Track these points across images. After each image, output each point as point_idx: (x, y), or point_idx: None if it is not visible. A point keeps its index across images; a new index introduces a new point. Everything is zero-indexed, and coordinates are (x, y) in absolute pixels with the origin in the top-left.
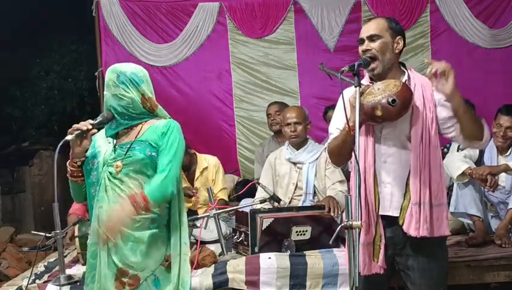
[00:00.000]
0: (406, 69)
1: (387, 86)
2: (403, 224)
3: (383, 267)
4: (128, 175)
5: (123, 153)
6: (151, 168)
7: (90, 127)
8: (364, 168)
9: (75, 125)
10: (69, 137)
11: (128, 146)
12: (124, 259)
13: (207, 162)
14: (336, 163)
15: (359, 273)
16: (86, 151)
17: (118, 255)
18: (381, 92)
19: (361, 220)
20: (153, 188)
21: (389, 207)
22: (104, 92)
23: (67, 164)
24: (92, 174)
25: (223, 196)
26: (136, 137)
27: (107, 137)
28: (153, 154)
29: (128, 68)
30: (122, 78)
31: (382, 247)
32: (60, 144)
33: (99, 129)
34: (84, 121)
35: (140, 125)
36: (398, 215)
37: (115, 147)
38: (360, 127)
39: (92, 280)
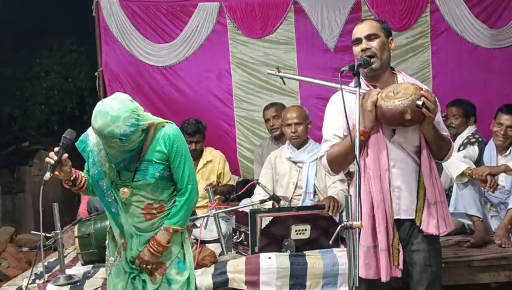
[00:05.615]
0: (396, 72)
1: (406, 89)
2: (420, 224)
3: (401, 270)
4: (140, 194)
5: (130, 176)
6: (165, 181)
7: (55, 158)
8: (380, 172)
9: (46, 160)
10: (46, 177)
11: (134, 169)
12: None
13: (212, 155)
14: (336, 171)
15: (379, 279)
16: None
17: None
18: (404, 95)
19: (361, 220)
20: (179, 217)
21: (398, 210)
22: (105, 146)
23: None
24: (107, 194)
25: (232, 182)
26: (140, 157)
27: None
28: (163, 172)
29: (120, 123)
30: (125, 139)
31: (401, 249)
32: (42, 186)
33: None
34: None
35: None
36: (407, 217)
37: (118, 171)
38: (370, 131)
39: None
